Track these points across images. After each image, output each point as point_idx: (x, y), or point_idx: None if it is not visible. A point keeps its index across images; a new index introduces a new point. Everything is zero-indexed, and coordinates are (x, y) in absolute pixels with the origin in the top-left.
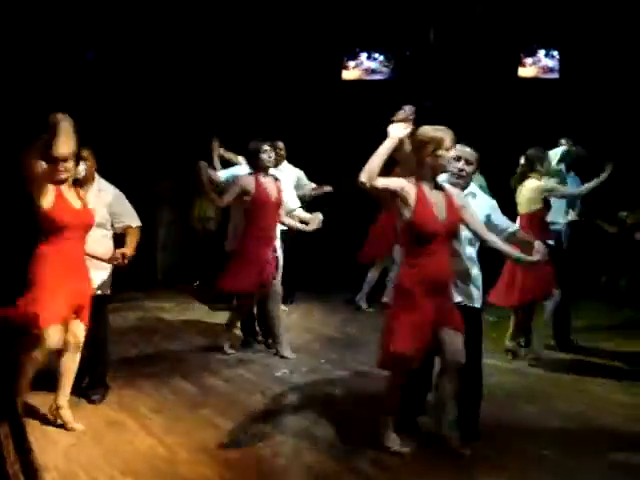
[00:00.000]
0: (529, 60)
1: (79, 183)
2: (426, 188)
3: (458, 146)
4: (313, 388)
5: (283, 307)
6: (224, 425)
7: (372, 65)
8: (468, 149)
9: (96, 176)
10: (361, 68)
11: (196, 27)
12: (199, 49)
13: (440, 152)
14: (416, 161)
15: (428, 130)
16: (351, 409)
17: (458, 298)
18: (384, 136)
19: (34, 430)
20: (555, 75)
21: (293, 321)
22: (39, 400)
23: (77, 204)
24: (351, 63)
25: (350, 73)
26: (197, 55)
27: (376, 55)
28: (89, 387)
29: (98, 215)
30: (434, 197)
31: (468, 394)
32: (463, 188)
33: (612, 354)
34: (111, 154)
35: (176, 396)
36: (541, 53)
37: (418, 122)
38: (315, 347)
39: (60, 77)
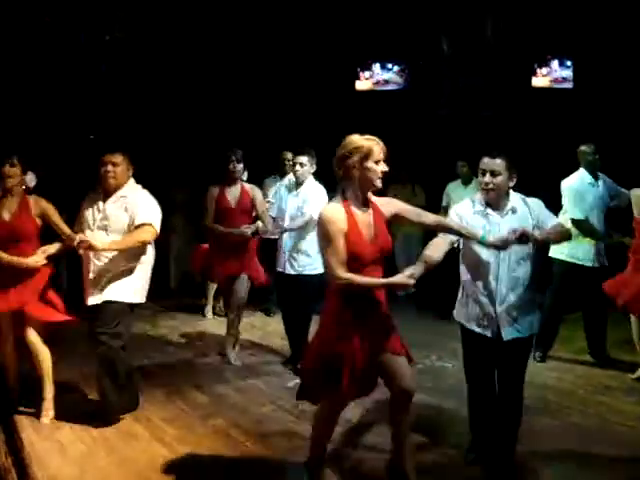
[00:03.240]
0: (543, 70)
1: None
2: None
3: (484, 159)
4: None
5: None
6: (236, 435)
7: (385, 76)
8: (493, 160)
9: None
10: (374, 79)
11: (211, 37)
12: (215, 59)
13: (368, 164)
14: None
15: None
16: (362, 420)
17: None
18: (398, 146)
19: (46, 440)
20: (569, 85)
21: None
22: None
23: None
24: (364, 74)
25: (363, 84)
26: (212, 64)
27: (389, 66)
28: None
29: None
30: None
31: (507, 424)
32: (498, 202)
33: (628, 365)
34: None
35: (188, 406)
36: (555, 63)
37: (432, 131)
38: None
39: (78, 88)
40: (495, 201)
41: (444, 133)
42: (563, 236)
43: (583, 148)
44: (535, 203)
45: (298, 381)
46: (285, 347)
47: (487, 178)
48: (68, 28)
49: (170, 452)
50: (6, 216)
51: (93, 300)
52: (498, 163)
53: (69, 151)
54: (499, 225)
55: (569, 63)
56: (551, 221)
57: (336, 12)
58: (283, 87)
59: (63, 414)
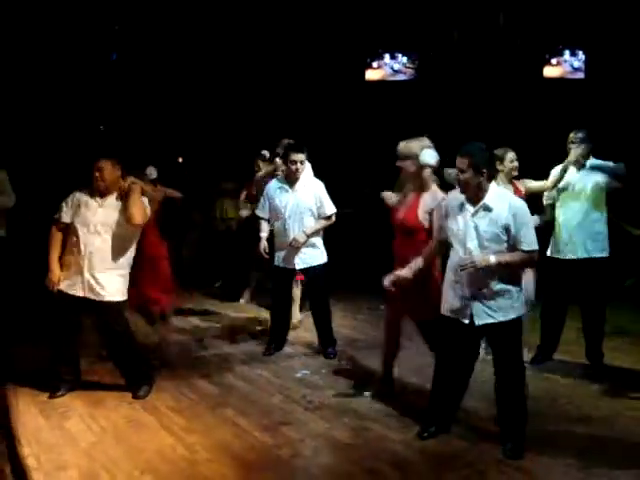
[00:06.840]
0: (555, 60)
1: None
2: None
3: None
4: (333, 389)
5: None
6: (244, 425)
7: (395, 66)
8: (460, 158)
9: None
10: (384, 69)
11: (221, 27)
12: (225, 48)
13: None
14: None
15: None
16: (370, 410)
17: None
18: (407, 136)
19: (55, 429)
20: (581, 75)
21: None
22: (57, 399)
23: None
24: (375, 64)
25: (374, 74)
26: (222, 55)
27: (399, 56)
28: (131, 385)
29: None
30: None
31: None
32: (472, 197)
33: (637, 358)
34: (135, 154)
35: (197, 396)
36: (567, 53)
37: (442, 122)
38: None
39: (88, 77)
40: (468, 195)
41: (455, 124)
42: (524, 262)
43: None
44: (518, 208)
45: (307, 372)
46: (294, 338)
47: (460, 175)
48: (78, 17)
49: (178, 442)
50: None
51: None
52: (462, 161)
53: (79, 141)
54: (469, 221)
55: (581, 53)
56: (522, 231)
57: (346, 2)
58: (293, 77)
59: (72, 403)
